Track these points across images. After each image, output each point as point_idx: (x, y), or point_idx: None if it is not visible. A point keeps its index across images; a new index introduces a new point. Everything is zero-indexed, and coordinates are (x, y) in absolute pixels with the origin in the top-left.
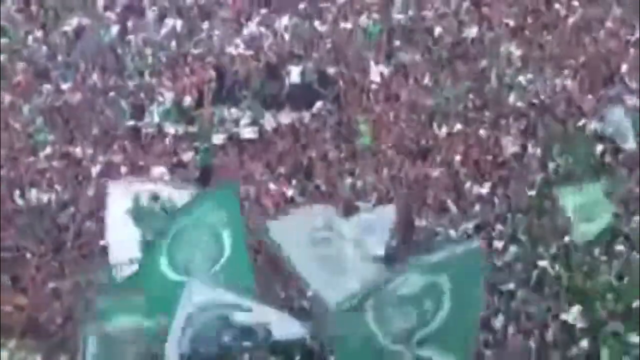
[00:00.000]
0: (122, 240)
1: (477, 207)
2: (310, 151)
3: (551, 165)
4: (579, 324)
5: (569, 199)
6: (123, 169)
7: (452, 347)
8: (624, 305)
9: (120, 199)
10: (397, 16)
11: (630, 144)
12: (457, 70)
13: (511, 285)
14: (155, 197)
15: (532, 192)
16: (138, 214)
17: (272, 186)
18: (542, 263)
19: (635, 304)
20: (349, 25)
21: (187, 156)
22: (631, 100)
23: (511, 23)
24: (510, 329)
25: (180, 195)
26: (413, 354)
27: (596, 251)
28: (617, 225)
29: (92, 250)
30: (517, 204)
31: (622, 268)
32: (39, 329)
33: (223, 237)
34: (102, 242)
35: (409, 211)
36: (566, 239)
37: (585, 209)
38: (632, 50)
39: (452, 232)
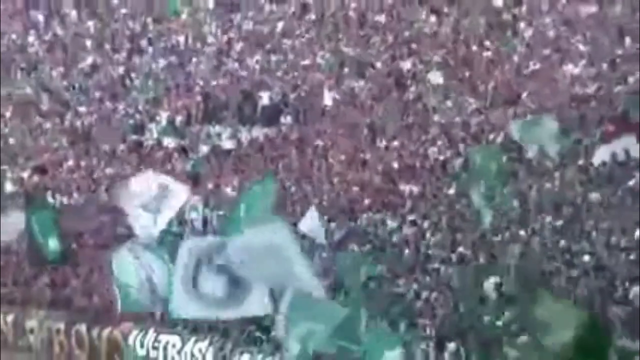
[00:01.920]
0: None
1: (409, 204)
2: (277, 160)
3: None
4: (494, 295)
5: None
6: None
7: None
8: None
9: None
10: (345, 52)
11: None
12: (393, 95)
13: (436, 265)
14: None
15: (452, 191)
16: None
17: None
18: (461, 249)
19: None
20: (307, 62)
21: (180, 164)
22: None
23: (437, 58)
24: (440, 300)
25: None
26: None
27: (505, 237)
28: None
29: (105, 240)
30: (441, 201)
31: (523, 250)
32: (63, 302)
33: None
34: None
35: (354, 208)
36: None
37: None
38: (530, 80)
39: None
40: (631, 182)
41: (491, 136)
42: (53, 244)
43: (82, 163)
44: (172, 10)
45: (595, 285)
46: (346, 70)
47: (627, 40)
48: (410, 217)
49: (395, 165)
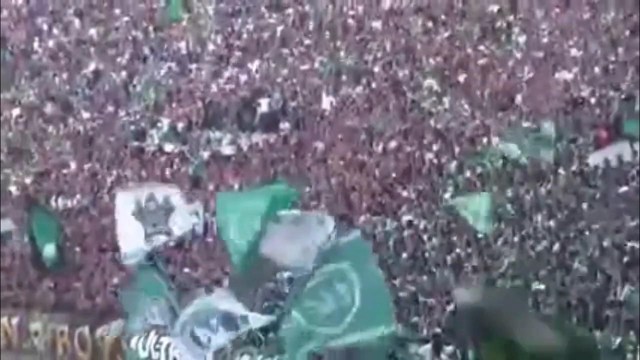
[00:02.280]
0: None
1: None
2: (276, 165)
3: (460, 177)
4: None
5: (464, 207)
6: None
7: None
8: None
9: (126, 201)
10: (343, 58)
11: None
12: (390, 100)
13: (433, 269)
14: (150, 198)
15: (447, 195)
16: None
17: None
18: (457, 250)
19: (535, 286)
20: (306, 67)
21: (181, 168)
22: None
23: (433, 64)
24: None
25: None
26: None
27: (498, 242)
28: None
29: (106, 242)
30: (437, 205)
31: (517, 255)
32: (65, 305)
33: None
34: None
35: (350, 210)
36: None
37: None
38: (525, 85)
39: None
40: (625, 188)
41: (486, 140)
42: (51, 250)
43: (85, 167)
44: (174, 16)
45: (590, 288)
46: (344, 76)
47: (620, 46)
48: (407, 219)
49: (393, 168)
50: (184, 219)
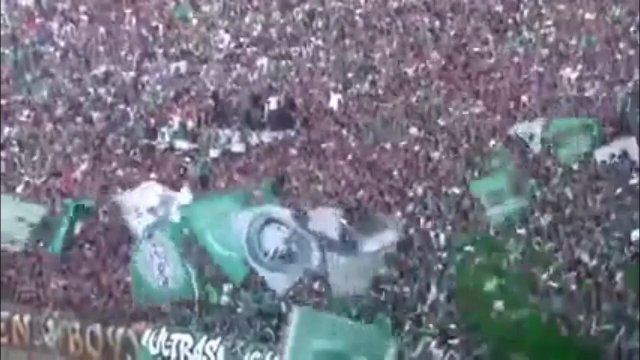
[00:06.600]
0: None
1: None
2: (285, 163)
3: (470, 174)
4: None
5: (480, 188)
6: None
7: None
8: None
9: None
10: (351, 56)
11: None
12: (397, 98)
13: (440, 266)
14: None
15: (457, 190)
16: None
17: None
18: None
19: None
20: (314, 65)
21: (191, 167)
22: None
23: (440, 62)
24: (442, 296)
25: None
26: None
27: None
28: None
29: (117, 240)
30: (445, 202)
31: (524, 249)
32: (77, 303)
33: None
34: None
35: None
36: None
37: (493, 194)
38: (532, 84)
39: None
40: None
41: (493, 138)
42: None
43: (96, 167)
44: (181, 15)
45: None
46: (351, 74)
47: (626, 42)
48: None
49: (401, 167)
50: None
